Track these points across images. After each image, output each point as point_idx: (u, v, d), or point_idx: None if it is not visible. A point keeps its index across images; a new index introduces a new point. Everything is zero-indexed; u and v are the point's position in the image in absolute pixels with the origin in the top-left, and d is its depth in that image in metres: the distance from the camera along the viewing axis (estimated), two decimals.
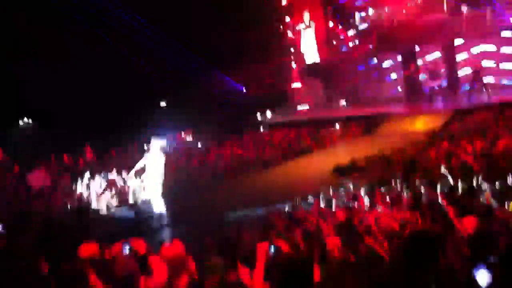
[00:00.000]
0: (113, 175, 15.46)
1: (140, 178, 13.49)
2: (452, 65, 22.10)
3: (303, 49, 26.60)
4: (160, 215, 12.25)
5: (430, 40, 22.13)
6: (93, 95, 23.47)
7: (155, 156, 12.16)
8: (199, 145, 21.01)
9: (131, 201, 14.03)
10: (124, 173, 15.01)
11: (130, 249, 5.90)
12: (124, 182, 14.80)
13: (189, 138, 22.22)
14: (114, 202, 14.30)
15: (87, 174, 15.51)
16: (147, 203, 12.77)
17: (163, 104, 26.25)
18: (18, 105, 23.49)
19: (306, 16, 26.32)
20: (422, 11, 23.25)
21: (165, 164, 12.40)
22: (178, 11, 24.48)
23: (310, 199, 10.40)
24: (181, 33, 24.35)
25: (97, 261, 5.43)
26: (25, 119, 24.42)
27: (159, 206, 12.29)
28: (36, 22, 23.86)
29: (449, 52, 22.24)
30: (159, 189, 12.24)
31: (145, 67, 23.83)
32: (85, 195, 14.53)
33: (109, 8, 23.75)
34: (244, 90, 26.91)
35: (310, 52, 26.37)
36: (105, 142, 20.38)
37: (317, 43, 26.54)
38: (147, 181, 12.62)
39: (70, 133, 21.33)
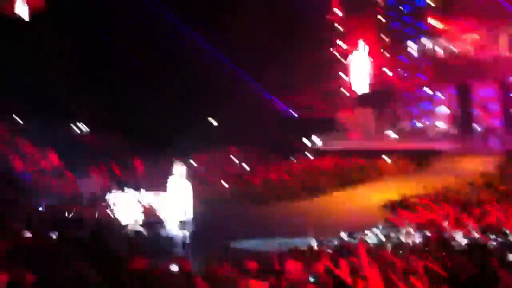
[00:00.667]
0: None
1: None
2: (507, 103, 21.53)
3: (355, 76, 26.47)
4: (194, 236, 12.33)
5: (485, 75, 21.67)
6: (146, 110, 23.98)
7: (177, 180, 12.41)
8: (246, 167, 21.03)
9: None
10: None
11: (178, 267, 5.94)
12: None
13: (235, 159, 22.28)
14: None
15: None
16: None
17: (214, 122, 26.52)
18: (72, 112, 24.21)
19: (361, 43, 26.20)
20: (479, 46, 22.89)
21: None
22: (236, 36, 24.83)
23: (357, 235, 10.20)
24: (234, 55, 24.70)
25: (147, 277, 5.50)
26: (80, 126, 25.06)
27: (186, 227, 12.37)
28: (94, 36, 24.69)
29: (505, 90, 21.69)
30: (182, 211, 12.37)
31: (200, 87, 24.21)
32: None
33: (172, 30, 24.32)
34: (296, 115, 26.89)
35: (363, 80, 26.22)
36: (155, 156, 20.69)
37: (373, 72, 26.41)
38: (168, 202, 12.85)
39: (121, 143, 21.81)
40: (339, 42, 27.25)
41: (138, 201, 14.32)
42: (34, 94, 24.23)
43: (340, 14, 27.35)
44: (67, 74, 24.83)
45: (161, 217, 13.08)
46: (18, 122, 23.66)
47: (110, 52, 25.33)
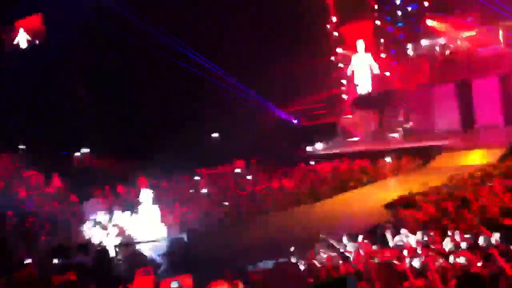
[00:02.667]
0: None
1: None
2: (508, 98, 21.50)
3: (356, 80, 26.54)
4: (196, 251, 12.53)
5: (486, 72, 21.68)
6: (147, 125, 24.11)
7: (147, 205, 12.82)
8: (249, 177, 21.09)
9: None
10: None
11: (178, 285, 5.96)
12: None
13: (238, 170, 22.36)
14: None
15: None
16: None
17: (215, 135, 26.63)
18: (75, 135, 24.43)
19: (360, 46, 26.30)
20: (478, 43, 22.96)
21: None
22: (232, 46, 25.03)
23: (360, 238, 10.21)
24: (232, 65, 24.84)
25: None
26: (82, 149, 25.24)
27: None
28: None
29: (506, 85, 21.67)
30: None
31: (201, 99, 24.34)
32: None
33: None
34: (296, 122, 26.98)
35: (363, 83, 26.28)
36: (160, 172, 20.79)
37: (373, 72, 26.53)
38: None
39: (125, 163, 21.95)
40: (338, 48, 27.35)
41: (113, 224, 14.57)
42: (39, 120, 24.62)
43: (335, 20, 27.48)
44: (70, 98, 25.16)
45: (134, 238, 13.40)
46: (22, 149, 23.91)
47: (110, 76, 25.65)
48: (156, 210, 13.45)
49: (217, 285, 5.34)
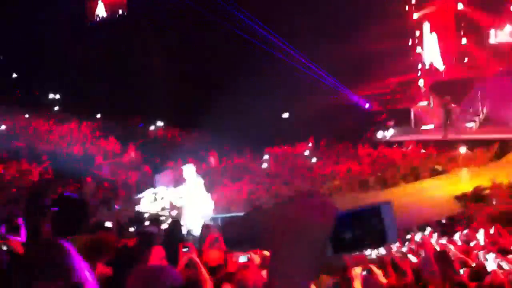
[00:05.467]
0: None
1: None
2: None
3: (431, 58, 25.87)
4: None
5: None
6: (220, 101, 24.49)
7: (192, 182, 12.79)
8: (314, 159, 21.13)
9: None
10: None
11: (248, 260, 6.15)
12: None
13: (307, 151, 22.42)
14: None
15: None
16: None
17: (285, 115, 26.71)
18: (151, 107, 25.20)
19: (434, 34, 25.56)
20: None
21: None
22: (307, 26, 24.90)
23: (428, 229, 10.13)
24: (306, 46, 24.73)
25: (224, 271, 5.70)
26: (158, 121, 26.01)
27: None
28: None
29: None
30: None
31: (274, 78, 24.43)
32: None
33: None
34: (367, 106, 26.60)
35: (438, 63, 25.61)
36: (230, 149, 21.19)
37: (448, 60, 25.71)
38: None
39: (197, 137, 22.49)
40: (415, 31, 26.65)
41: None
42: (117, 90, 25.58)
43: (414, 1, 26.74)
44: (149, 70, 25.96)
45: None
46: (101, 118, 24.93)
47: (190, 51, 26.21)
48: (201, 186, 13.44)
49: None
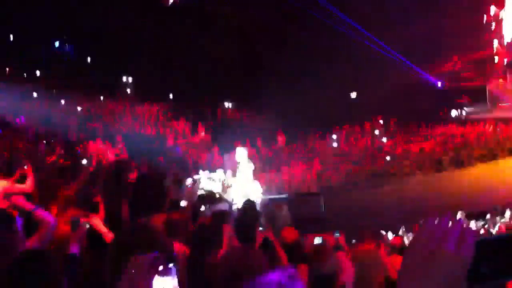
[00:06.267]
0: None
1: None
2: None
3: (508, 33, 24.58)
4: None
5: None
6: (287, 82, 24.38)
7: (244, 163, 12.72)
8: (384, 139, 20.70)
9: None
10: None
11: (322, 241, 6.12)
12: None
13: (376, 132, 21.98)
14: None
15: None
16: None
17: (353, 95, 26.25)
18: (220, 88, 25.44)
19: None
20: None
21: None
22: (378, 4, 24.21)
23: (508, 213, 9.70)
24: (377, 25, 24.10)
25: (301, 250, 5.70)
26: (226, 102, 26.19)
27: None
28: None
29: None
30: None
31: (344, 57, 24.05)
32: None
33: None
34: (440, 85, 25.70)
35: None
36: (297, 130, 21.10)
37: None
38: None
39: (265, 119, 22.55)
40: (491, 6, 25.36)
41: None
42: (188, 73, 26.00)
43: None
44: (218, 53, 26.18)
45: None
46: (172, 101, 25.38)
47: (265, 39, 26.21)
48: (250, 169, 13.46)
49: (364, 244, 5.45)
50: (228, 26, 26.36)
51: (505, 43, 25.16)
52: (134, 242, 2.03)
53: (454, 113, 23.16)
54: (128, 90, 25.15)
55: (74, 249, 3.86)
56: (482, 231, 8.97)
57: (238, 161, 14.08)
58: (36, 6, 23.27)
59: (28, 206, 4.30)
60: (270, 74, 24.59)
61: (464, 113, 23.25)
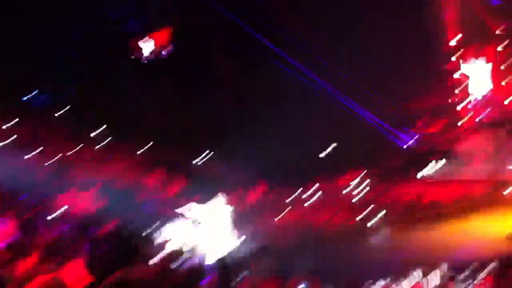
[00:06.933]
0: None
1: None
2: None
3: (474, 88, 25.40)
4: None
5: None
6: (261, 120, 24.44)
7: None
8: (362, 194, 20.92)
9: None
10: None
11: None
12: None
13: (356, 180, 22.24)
14: None
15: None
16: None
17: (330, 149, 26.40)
18: (197, 140, 25.36)
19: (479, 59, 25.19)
20: None
21: None
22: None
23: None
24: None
25: None
26: (207, 153, 25.96)
27: None
28: None
29: None
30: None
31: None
32: None
33: None
34: (411, 143, 26.14)
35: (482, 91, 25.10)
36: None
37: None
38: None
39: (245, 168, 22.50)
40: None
41: None
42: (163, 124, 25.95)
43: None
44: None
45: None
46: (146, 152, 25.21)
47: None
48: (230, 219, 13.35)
49: None
50: None
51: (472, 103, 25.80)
52: None
53: (424, 172, 23.59)
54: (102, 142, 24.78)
55: None
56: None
57: (215, 210, 13.93)
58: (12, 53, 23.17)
59: None
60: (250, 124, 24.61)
61: (432, 172, 23.66)
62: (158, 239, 14.54)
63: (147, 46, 30.83)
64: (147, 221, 16.57)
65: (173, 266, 10.01)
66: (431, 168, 23.81)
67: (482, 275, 9.24)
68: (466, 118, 25.76)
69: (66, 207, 14.87)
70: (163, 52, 30.42)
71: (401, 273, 9.82)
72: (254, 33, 24.52)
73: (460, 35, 25.61)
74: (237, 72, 26.24)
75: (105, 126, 25.20)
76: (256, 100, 25.56)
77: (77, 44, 24.93)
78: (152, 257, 9.43)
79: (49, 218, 13.76)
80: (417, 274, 9.26)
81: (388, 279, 9.02)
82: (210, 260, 11.72)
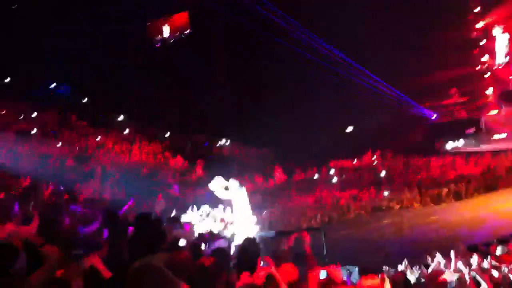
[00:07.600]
0: None
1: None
2: None
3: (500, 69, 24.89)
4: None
5: None
6: (283, 119, 24.46)
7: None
8: (383, 173, 20.69)
9: None
10: None
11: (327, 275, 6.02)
12: None
13: (373, 163, 22.03)
14: None
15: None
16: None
17: (349, 129, 26.28)
18: (216, 125, 25.51)
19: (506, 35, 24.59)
20: None
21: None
22: (369, 40, 24.47)
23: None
24: (373, 62, 24.33)
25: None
26: (222, 139, 26.18)
27: None
28: None
29: None
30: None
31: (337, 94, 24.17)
32: None
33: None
34: (434, 117, 25.83)
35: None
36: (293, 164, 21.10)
37: None
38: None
39: (261, 154, 22.52)
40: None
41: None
42: (184, 111, 26.11)
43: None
44: (214, 89, 26.35)
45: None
46: (169, 138, 25.41)
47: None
48: (248, 205, 13.29)
49: (368, 278, 5.35)
50: (223, 63, 26.59)
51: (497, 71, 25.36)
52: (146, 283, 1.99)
53: (450, 145, 23.24)
54: (127, 129, 25.00)
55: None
56: (486, 265, 8.88)
57: (232, 194, 13.82)
58: (32, 48, 23.44)
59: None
60: (266, 111, 24.67)
61: (460, 145, 23.32)
62: (183, 222, 14.59)
63: (166, 29, 31.05)
64: (172, 205, 16.72)
65: (201, 248, 10.04)
66: (457, 141, 23.51)
67: (504, 250, 9.05)
68: (492, 88, 25.41)
69: (91, 194, 15.04)
70: (181, 35, 30.57)
71: (421, 254, 9.73)
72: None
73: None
74: (252, 62, 26.28)
75: (125, 115, 25.71)
76: (272, 86, 25.65)
77: (94, 40, 25.25)
78: (179, 240, 9.46)
79: (74, 206, 13.89)
80: (437, 255, 9.15)
81: (406, 262, 8.94)
82: (235, 242, 11.73)
